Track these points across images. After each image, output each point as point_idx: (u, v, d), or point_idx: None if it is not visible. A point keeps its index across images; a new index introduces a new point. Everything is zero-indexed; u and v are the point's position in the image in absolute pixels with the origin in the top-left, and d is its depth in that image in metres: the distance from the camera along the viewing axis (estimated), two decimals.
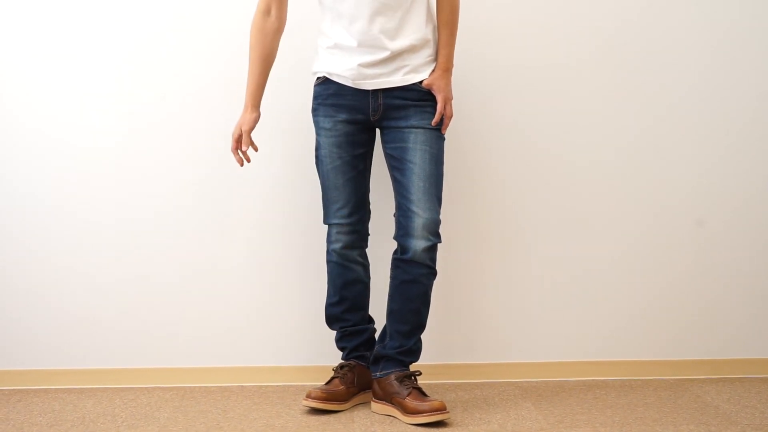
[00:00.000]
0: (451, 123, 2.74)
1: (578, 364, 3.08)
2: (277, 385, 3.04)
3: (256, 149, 2.79)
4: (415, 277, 2.66)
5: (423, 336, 2.75)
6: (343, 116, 2.69)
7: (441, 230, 2.67)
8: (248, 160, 2.79)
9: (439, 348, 3.06)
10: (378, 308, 2.86)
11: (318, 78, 2.74)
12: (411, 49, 2.64)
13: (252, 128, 2.76)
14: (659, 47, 3.07)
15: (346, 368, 2.79)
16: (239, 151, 2.76)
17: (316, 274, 3.01)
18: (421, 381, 2.81)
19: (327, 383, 2.77)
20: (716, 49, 3.08)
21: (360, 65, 2.62)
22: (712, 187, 3.10)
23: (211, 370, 3.08)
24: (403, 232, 2.66)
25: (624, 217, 3.10)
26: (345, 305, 2.82)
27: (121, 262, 3.07)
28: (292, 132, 3.04)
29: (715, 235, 3.11)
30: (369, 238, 2.85)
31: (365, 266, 2.85)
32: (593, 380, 3.05)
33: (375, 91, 2.66)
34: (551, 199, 3.09)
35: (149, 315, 3.08)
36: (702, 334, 3.10)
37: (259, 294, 3.09)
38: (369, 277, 2.86)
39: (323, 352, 3.03)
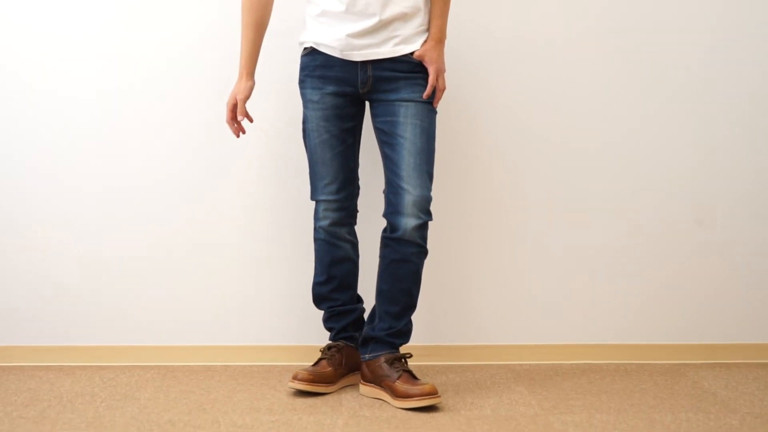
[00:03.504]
0: (443, 96, 2.64)
1: (572, 347, 3.00)
2: (262, 365, 2.96)
3: (251, 120, 2.70)
4: (405, 256, 2.57)
5: (413, 316, 2.66)
6: (330, 88, 2.59)
7: (432, 207, 2.57)
8: (244, 131, 2.69)
9: (429, 329, 2.97)
10: (367, 287, 2.77)
11: (305, 49, 2.63)
12: (402, 17, 2.53)
13: (247, 97, 2.66)
14: (668, 28, 2.98)
15: (333, 349, 2.70)
16: (234, 121, 2.67)
17: (303, 251, 2.92)
18: (411, 363, 2.72)
19: (314, 364, 2.68)
20: (727, 39, 3.00)
21: (348, 35, 2.51)
22: (712, 175, 3.01)
23: (194, 348, 2.99)
24: (392, 210, 2.56)
25: (622, 197, 3.01)
26: (333, 284, 2.72)
27: (103, 237, 2.98)
28: (278, 104, 2.94)
29: (714, 220, 3.02)
30: (358, 214, 2.75)
31: (354, 244, 2.75)
32: (587, 364, 2.96)
33: (364, 63, 2.55)
34: (546, 176, 2.99)
35: (130, 291, 2.99)
36: (698, 319, 3.02)
37: (244, 271, 3.00)
38: (358, 255, 2.77)
39: (310, 332, 2.95)
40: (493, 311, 3.01)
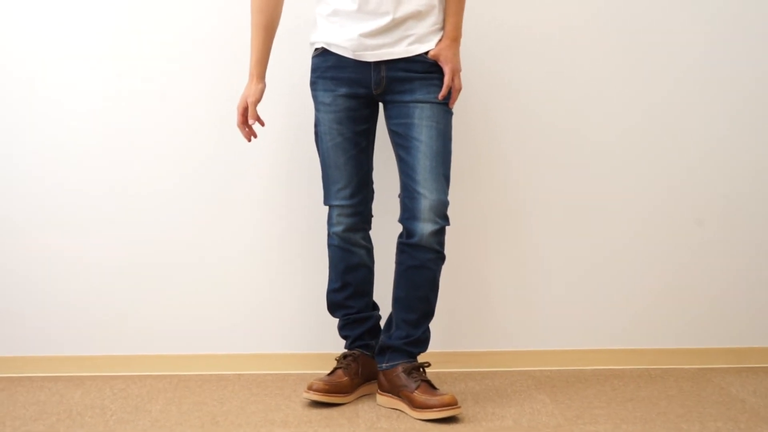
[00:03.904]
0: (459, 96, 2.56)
1: (594, 352, 2.92)
2: (276, 374, 2.89)
3: (262, 123, 2.63)
4: (422, 262, 2.49)
5: (431, 323, 2.58)
6: (343, 90, 2.51)
7: (449, 211, 2.49)
8: (255, 135, 2.62)
9: (447, 335, 2.90)
10: (383, 293, 2.70)
11: (316, 49, 2.55)
12: (416, 16, 2.45)
13: (258, 100, 2.58)
14: (671, 29, 2.90)
15: (349, 358, 2.62)
16: (246, 125, 2.60)
17: (317, 257, 2.85)
18: (429, 370, 2.64)
19: (329, 374, 2.61)
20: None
21: (361, 35, 2.43)
22: (738, 165, 2.92)
23: (207, 357, 2.93)
24: (408, 215, 2.48)
25: (643, 198, 2.92)
26: (348, 291, 2.65)
27: (114, 244, 2.91)
28: (290, 106, 2.86)
29: (740, 216, 2.93)
30: (372, 219, 2.67)
31: (369, 249, 2.67)
32: (610, 369, 2.88)
33: (377, 63, 2.47)
34: (569, 176, 2.91)
35: (142, 299, 2.93)
36: (724, 322, 2.93)
37: (257, 278, 2.94)
38: (373, 261, 2.69)
39: (325, 339, 2.88)
40: (512, 316, 2.94)
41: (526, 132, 2.90)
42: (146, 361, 2.92)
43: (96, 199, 2.90)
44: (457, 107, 2.61)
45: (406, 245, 2.50)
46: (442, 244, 2.50)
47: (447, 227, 2.49)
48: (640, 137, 2.91)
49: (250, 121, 2.58)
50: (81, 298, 2.92)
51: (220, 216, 2.92)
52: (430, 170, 2.45)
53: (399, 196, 2.54)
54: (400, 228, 2.54)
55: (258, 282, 2.93)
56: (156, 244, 2.92)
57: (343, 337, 2.69)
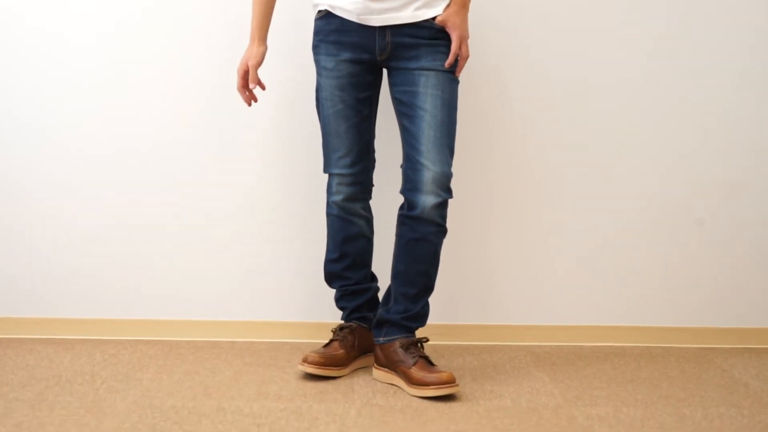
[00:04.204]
0: (466, 64, 2.47)
1: (595, 328, 2.87)
2: (270, 342, 2.84)
3: (263, 87, 2.55)
4: (423, 235, 2.42)
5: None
6: (346, 55, 2.42)
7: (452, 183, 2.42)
8: (255, 100, 2.53)
9: (446, 307, 2.85)
10: (382, 265, 2.64)
11: (319, 11, 2.46)
12: None
13: (260, 63, 2.50)
14: (676, 32, 2.81)
15: (346, 330, 2.57)
16: (246, 89, 2.51)
17: (314, 223, 2.79)
18: (426, 344, 2.60)
19: (325, 346, 2.55)
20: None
21: None
22: (742, 146, 2.85)
23: (200, 323, 2.88)
24: (410, 186, 2.41)
25: (647, 175, 2.86)
26: (346, 262, 2.58)
27: (106, 205, 2.85)
28: (291, 69, 2.78)
29: (744, 195, 2.86)
30: (373, 189, 2.60)
31: (368, 220, 2.60)
32: (610, 347, 2.84)
33: (382, 28, 2.38)
34: (572, 152, 2.84)
35: (134, 262, 2.87)
36: (727, 301, 2.88)
37: (252, 243, 2.87)
38: (372, 232, 2.62)
39: (321, 308, 2.83)
40: (512, 289, 2.88)
41: (536, 104, 2.82)
42: (138, 326, 2.87)
43: (90, 160, 2.82)
44: (464, 75, 2.53)
45: (407, 218, 2.43)
46: (444, 217, 2.43)
47: (450, 200, 2.42)
48: (649, 112, 2.83)
49: (251, 85, 2.49)
50: (73, 260, 2.86)
51: (215, 180, 2.84)
52: (434, 141, 2.37)
53: (401, 166, 2.46)
54: (401, 198, 2.46)
55: (253, 248, 2.87)
56: (149, 207, 2.85)
57: (340, 308, 2.63)
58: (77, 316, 2.87)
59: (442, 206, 2.41)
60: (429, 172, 2.37)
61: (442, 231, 2.44)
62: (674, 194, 2.86)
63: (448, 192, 2.41)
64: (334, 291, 2.65)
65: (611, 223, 2.86)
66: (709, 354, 2.78)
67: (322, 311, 2.82)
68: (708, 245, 2.87)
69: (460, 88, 2.46)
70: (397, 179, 2.49)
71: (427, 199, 2.38)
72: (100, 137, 2.82)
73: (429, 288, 2.49)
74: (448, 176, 2.39)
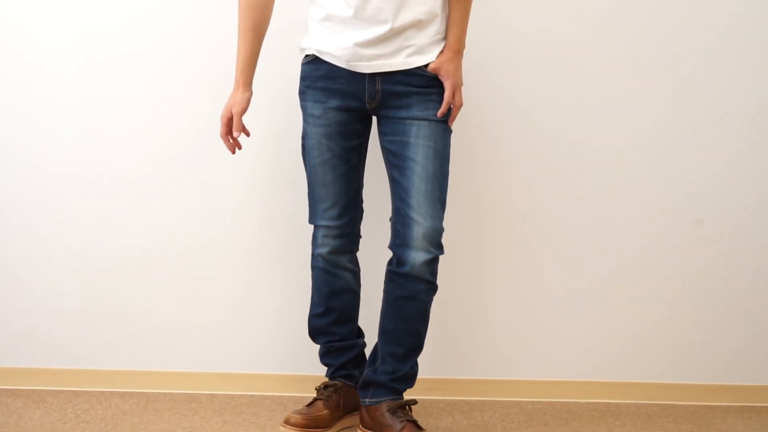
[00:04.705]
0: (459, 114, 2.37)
1: (589, 384, 2.75)
2: (251, 395, 2.73)
3: (248, 134, 2.41)
4: (412, 293, 2.30)
5: None
6: (334, 102, 2.31)
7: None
8: (239, 147, 2.40)
9: (434, 361, 2.73)
10: (369, 316, 2.52)
11: (306, 56, 2.35)
12: (416, 25, 2.24)
13: (244, 110, 2.37)
14: (673, 31, 2.72)
15: (330, 389, 2.45)
16: (230, 136, 2.38)
17: (297, 272, 2.67)
18: (413, 396, 2.47)
19: (308, 405, 2.43)
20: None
21: (356, 44, 2.23)
22: (745, 199, 2.74)
23: (178, 375, 2.76)
24: (400, 242, 2.29)
25: (642, 226, 2.75)
26: (331, 317, 2.47)
27: (84, 251, 2.73)
28: (276, 115, 2.68)
29: (748, 246, 2.75)
30: (361, 240, 2.49)
31: (355, 273, 2.49)
32: (605, 404, 2.72)
33: (372, 75, 2.27)
34: (562, 205, 2.74)
35: (110, 311, 2.75)
36: (725, 358, 2.76)
37: (234, 292, 2.76)
38: (359, 285, 2.51)
39: (304, 360, 2.71)
40: (503, 343, 2.77)
41: (530, 156, 2.72)
42: (113, 377, 2.75)
43: (62, 208, 2.71)
44: (456, 124, 2.43)
45: (396, 274, 2.31)
46: (434, 274, 2.31)
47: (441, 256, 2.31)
48: (646, 167, 2.73)
49: (235, 134, 2.37)
50: (45, 308, 2.74)
51: (196, 228, 2.74)
52: (425, 194, 2.26)
53: (390, 219, 2.35)
54: (389, 242, 2.34)
55: (234, 297, 2.76)
56: (125, 254, 2.73)
57: (325, 364, 2.52)
58: (48, 365, 2.75)
59: (433, 263, 2.29)
60: (420, 228, 2.26)
61: (433, 288, 2.33)
62: (668, 251, 2.75)
63: (439, 248, 2.29)
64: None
65: (605, 278, 2.75)
66: (707, 413, 2.67)
67: (306, 363, 2.70)
68: (703, 301, 2.76)
69: (453, 138, 2.36)
70: (386, 227, 2.38)
71: (417, 256, 2.27)
72: (78, 178, 2.71)
73: (418, 347, 2.37)
74: (439, 232, 2.28)
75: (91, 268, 2.73)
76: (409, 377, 2.37)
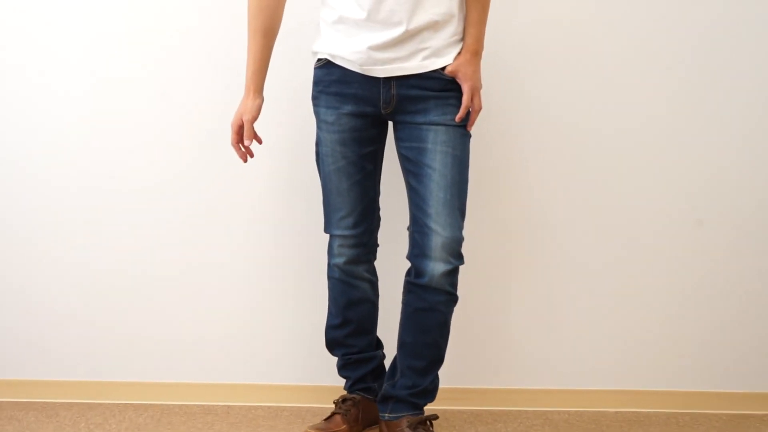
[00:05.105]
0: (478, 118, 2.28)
1: (617, 393, 2.66)
2: (268, 407, 2.65)
3: (260, 141, 2.33)
4: (431, 304, 2.22)
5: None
6: (348, 108, 2.22)
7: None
8: (251, 155, 2.32)
9: (456, 370, 2.64)
10: (388, 328, 2.44)
11: (319, 60, 2.26)
12: (432, 26, 2.15)
13: (255, 117, 2.29)
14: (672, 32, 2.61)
15: (349, 402, 2.37)
16: (241, 144, 2.30)
17: (314, 281, 2.60)
18: (435, 407, 2.41)
19: (327, 419, 2.36)
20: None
21: (370, 47, 2.14)
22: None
23: (194, 386, 2.69)
24: (418, 252, 2.21)
25: (674, 232, 2.65)
26: (349, 328, 2.39)
27: (97, 263, 2.67)
28: (289, 119, 2.59)
29: None
30: (378, 248, 2.41)
31: (373, 283, 2.41)
32: (634, 413, 2.63)
33: (387, 79, 2.18)
34: (590, 208, 2.64)
35: (123, 322, 2.69)
36: (760, 363, 2.66)
37: (250, 302, 2.69)
38: (377, 295, 2.43)
39: (322, 371, 2.64)
40: (527, 351, 2.68)
41: (550, 156, 2.63)
42: (127, 389, 2.69)
43: (76, 220, 2.64)
44: (475, 129, 2.34)
45: (415, 285, 2.23)
46: (454, 285, 2.23)
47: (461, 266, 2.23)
48: (678, 177, 2.63)
49: (246, 142, 2.29)
50: (58, 320, 2.68)
51: (211, 236, 2.66)
52: (444, 203, 2.18)
53: (408, 228, 2.26)
54: (407, 259, 2.27)
55: (251, 307, 2.68)
56: (139, 264, 2.67)
57: (343, 377, 2.44)
58: (61, 378, 2.69)
59: (453, 273, 2.21)
60: (438, 237, 2.17)
61: (453, 300, 2.24)
62: (703, 257, 2.65)
63: (459, 258, 2.21)
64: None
65: (632, 284, 2.66)
66: (741, 422, 2.57)
67: (325, 374, 2.63)
68: (737, 306, 2.66)
69: (472, 142, 2.26)
70: (403, 232, 2.30)
71: (436, 267, 2.18)
72: (83, 197, 2.65)
73: (439, 360, 2.29)
74: (458, 241, 2.19)
75: (104, 279, 2.67)
76: (430, 391, 2.29)
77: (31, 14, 2.60)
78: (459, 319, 2.44)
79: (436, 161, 2.18)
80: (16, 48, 2.61)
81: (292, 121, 2.59)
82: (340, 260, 2.35)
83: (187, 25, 2.61)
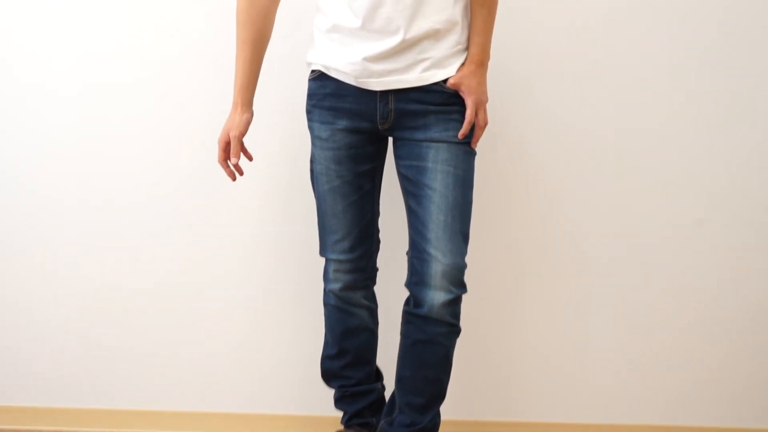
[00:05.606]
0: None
1: (624, 428, 2.54)
2: None
3: (250, 158, 2.18)
4: (431, 336, 2.05)
5: None
6: (343, 123, 2.07)
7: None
8: (241, 173, 2.17)
9: (461, 401, 2.53)
10: (389, 358, 2.29)
11: (312, 71, 2.11)
12: (433, 35, 1.98)
13: (243, 133, 2.14)
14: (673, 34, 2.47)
15: None
16: (230, 161, 2.15)
17: (309, 306, 2.48)
18: None
19: None
20: None
21: (365, 59, 1.98)
22: None
23: (185, 414, 2.58)
24: (417, 280, 2.04)
25: (689, 266, 2.52)
26: (346, 359, 2.24)
27: (88, 283, 2.56)
28: (282, 133, 2.47)
29: None
30: (378, 273, 2.25)
31: (372, 310, 2.26)
32: None
33: (384, 93, 2.02)
34: (601, 237, 2.50)
35: (117, 348, 2.58)
36: None
37: (242, 328, 2.58)
38: (377, 323, 2.28)
39: (316, 400, 2.52)
40: (531, 384, 2.56)
41: (560, 172, 2.49)
42: (120, 417, 2.59)
43: (67, 242, 2.52)
44: (481, 144, 2.17)
45: (413, 315, 2.06)
46: (456, 315, 2.06)
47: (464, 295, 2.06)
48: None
49: (233, 159, 2.14)
50: (51, 343, 2.58)
51: (203, 261, 2.55)
52: (445, 227, 2.01)
53: (407, 253, 2.10)
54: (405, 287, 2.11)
55: (243, 334, 2.57)
56: (134, 287, 2.56)
57: (340, 410, 2.29)
58: (45, 404, 2.59)
59: (454, 303, 2.04)
60: (438, 265, 2.01)
61: (455, 331, 2.07)
62: (714, 285, 2.52)
63: (461, 287, 2.04)
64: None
65: (644, 313, 2.54)
66: None
67: (321, 403, 2.50)
68: (745, 338, 2.53)
69: (477, 160, 2.10)
70: (403, 253, 2.14)
71: (436, 296, 2.02)
72: (81, 218, 2.54)
73: (440, 397, 2.12)
74: (460, 269, 2.03)
75: (102, 305, 2.57)
76: (429, 430, 2.12)
77: (29, 18, 2.49)
78: (463, 346, 2.28)
79: (437, 181, 2.02)
80: (14, 52, 2.50)
81: (286, 137, 2.46)
82: (335, 286, 2.20)
83: (187, 27, 2.49)
